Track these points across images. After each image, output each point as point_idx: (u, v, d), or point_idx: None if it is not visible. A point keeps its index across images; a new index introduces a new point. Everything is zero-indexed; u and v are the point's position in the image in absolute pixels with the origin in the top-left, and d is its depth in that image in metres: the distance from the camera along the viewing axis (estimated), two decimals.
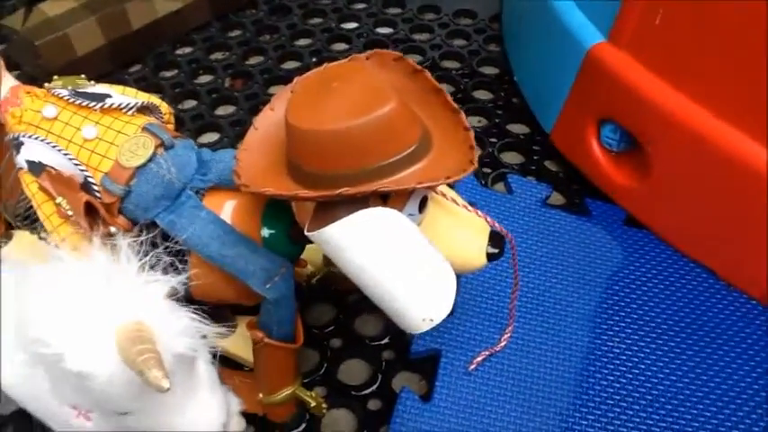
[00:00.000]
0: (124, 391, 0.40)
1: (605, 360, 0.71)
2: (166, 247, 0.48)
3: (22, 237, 0.55)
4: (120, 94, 0.58)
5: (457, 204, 0.55)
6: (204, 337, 0.44)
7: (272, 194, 0.48)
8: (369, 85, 0.49)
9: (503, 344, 0.71)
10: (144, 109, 0.59)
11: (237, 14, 1.23)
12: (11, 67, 0.66)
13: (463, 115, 0.51)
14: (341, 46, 1.19)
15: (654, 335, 0.73)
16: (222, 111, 1.06)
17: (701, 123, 0.73)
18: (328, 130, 0.46)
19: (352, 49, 1.16)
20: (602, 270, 0.80)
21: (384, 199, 0.49)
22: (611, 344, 0.72)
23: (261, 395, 0.63)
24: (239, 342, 0.67)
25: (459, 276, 0.49)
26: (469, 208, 0.55)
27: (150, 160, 0.54)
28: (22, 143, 0.54)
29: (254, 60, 1.15)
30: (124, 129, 0.55)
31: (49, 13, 1.01)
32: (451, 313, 0.48)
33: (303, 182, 0.49)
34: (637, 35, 0.78)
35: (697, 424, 0.66)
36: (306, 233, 0.48)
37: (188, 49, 1.16)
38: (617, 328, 0.74)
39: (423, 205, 0.52)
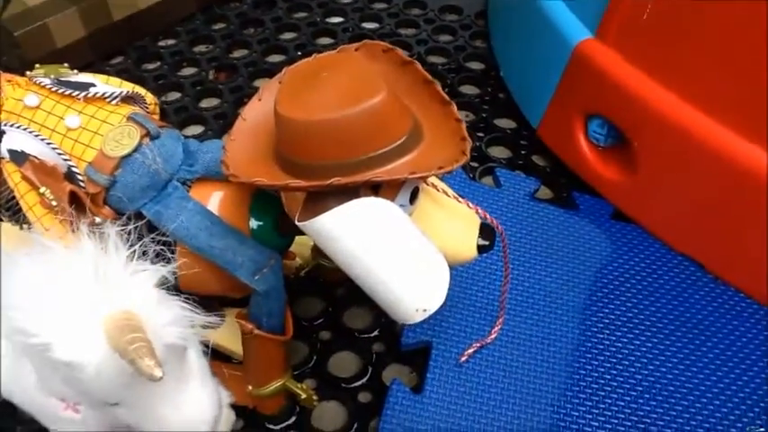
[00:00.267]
0: (114, 380, 0.39)
1: (595, 352, 0.71)
2: (153, 238, 0.47)
3: (7, 230, 0.54)
4: (105, 84, 0.57)
5: (447, 196, 0.55)
6: (195, 326, 0.43)
7: (262, 185, 0.48)
8: (359, 75, 0.49)
9: (493, 336, 0.70)
10: (128, 99, 0.58)
11: (222, 7, 1.21)
12: None
13: (454, 106, 0.51)
14: (326, 40, 1.18)
15: (642, 327, 0.74)
16: (206, 103, 1.05)
17: (688, 118, 0.73)
18: (318, 119, 0.46)
19: (338, 44, 1.14)
20: (590, 263, 0.80)
21: (375, 190, 0.48)
22: (600, 336, 0.73)
23: (250, 387, 0.63)
24: (228, 334, 0.66)
25: (450, 268, 0.49)
26: (460, 199, 0.55)
27: (136, 150, 0.53)
28: (3, 132, 0.53)
29: (238, 53, 1.14)
30: (108, 118, 0.54)
31: (29, 2, 0.98)
32: (443, 305, 0.48)
33: (293, 172, 0.48)
34: (624, 31, 0.79)
35: (688, 415, 0.67)
36: (297, 223, 0.47)
37: (171, 41, 1.14)
38: (606, 321, 0.74)
39: (414, 197, 0.51)
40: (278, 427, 0.66)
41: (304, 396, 0.65)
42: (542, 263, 0.79)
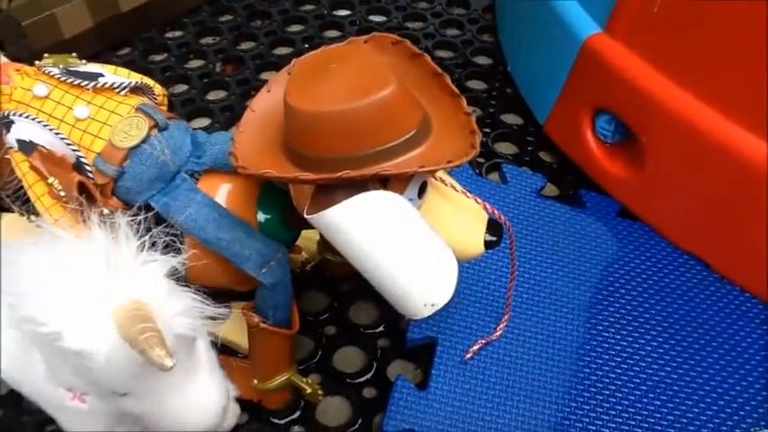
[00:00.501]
0: (124, 370, 0.40)
1: (600, 350, 0.71)
2: (162, 230, 0.47)
3: (12, 220, 0.54)
4: (113, 74, 0.57)
5: (456, 191, 0.54)
6: (205, 317, 0.43)
7: (271, 177, 0.48)
8: (368, 67, 0.49)
9: (498, 333, 0.70)
10: (137, 89, 0.58)
11: None
12: None
13: (463, 100, 0.51)
14: (333, 33, 1.17)
15: (648, 325, 0.73)
16: (213, 96, 1.04)
17: (697, 114, 0.73)
18: (327, 111, 0.46)
19: (345, 37, 1.14)
20: (597, 261, 0.80)
21: (384, 183, 0.48)
22: (605, 334, 0.72)
23: (255, 381, 0.63)
24: (234, 328, 0.66)
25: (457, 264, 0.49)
26: (468, 195, 0.54)
27: (144, 141, 0.53)
28: (12, 122, 0.53)
29: (245, 45, 1.13)
30: (117, 109, 0.54)
31: None
32: (451, 300, 0.48)
33: (302, 164, 0.48)
34: (633, 26, 0.78)
35: (692, 414, 0.67)
36: (305, 216, 0.47)
37: (178, 33, 1.14)
38: (612, 319, 0.74)
39: (422, 191, 0.51)
40: (282, 422, 0.66)
41: (309, 390, 0.65)
42: (548, 260, 0.79)
